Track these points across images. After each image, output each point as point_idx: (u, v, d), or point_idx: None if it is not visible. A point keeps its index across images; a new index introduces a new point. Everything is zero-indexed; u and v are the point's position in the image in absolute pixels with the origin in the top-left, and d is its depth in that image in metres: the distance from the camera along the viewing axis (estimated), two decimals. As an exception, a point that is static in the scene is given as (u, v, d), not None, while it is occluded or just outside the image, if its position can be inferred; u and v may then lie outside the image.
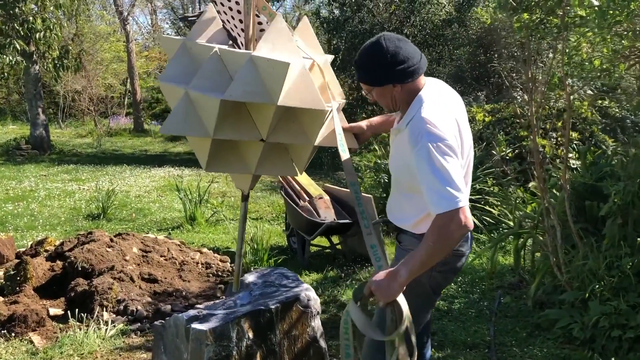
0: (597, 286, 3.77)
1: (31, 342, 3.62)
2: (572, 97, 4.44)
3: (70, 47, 14.16)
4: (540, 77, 4.48)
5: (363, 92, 2.30)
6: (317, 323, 2.91)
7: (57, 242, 5.13)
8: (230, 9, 2.44)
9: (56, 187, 9.05)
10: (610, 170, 4.17)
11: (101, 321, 3.82)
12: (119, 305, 4.02)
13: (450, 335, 3.89)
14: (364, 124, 2.65)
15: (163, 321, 2.96)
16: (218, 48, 2.30)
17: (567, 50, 4.00)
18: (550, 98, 6.31)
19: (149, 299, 4.14)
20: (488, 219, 6.50)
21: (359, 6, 13.85)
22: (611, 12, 2.80)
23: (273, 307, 2.75)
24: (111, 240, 4.85)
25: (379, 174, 7.14)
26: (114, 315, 3.94)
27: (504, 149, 7.17)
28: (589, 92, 4.07)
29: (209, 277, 4.75)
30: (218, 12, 2.49)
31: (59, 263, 4.65)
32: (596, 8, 2.84)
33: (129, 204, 7.85)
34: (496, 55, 11.40)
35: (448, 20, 13.64)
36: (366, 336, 2.29)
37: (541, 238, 4.63)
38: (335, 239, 5.63)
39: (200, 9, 23.10)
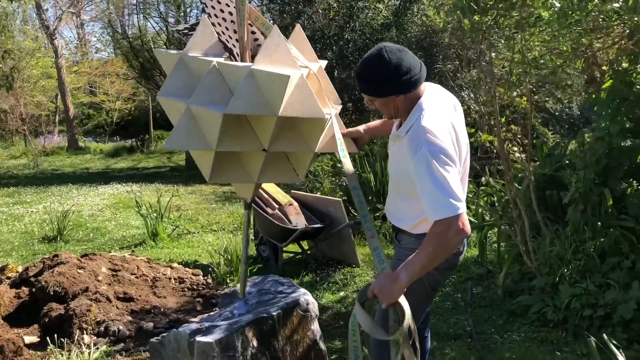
0: (565, 270, 4.00)
1: (12, 373, 3.49)
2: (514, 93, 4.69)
3: (1, 65, 13.59)
4: (484, 76, 4.69)
5: (365, 101, 2.36)
6: (316, 326, 2.97)
7: (20, 268, 4.93)
8: (224, 19, 2.47)
9: (2, 212, 8.66)
10: (569, 160, 4.43)
11: (82, 345, 3.72)
12: (99, 326, 3.92)
13: (433, 329, 4.00)
14: (361, 128, 2.73)
15: (159, 338, 2.92)
16: (216, 62, 2.32)
17: (521, 49, 4.24)
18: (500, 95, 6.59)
19: (130, 318, 4.07)
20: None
21: (299, 13, 13.98)
22: (571, 12, 3.00)
23: (275, 313, 2.78)
24: (79, 261, 4.71)
25: (338, 178, 7.26)
26: (95, 338, 3.84)
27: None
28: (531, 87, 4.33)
29: (185, 292, 4.71)
30: (213, 24, 2.50)
31: (25, 289, 4.49)
32: (557, 9, 3.04)
33: (84, 224, 7.62)
34: (440, 56, 11.76)
35: (386, 25, 13.98)
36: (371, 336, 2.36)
37: (504, 228, 4.86)
38: (304, 244, 5.68)
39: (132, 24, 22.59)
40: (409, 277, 2.06)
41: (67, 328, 3.88)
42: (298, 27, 2.48)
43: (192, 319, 3.51)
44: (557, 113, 10.09)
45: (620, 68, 3.49)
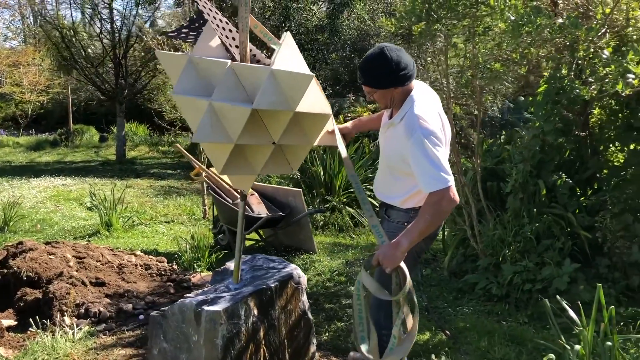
0: (507, 251, 4.54)
1: (-4, 353, 3.56)
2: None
3: None
4: (440, 76, 5.19)
5: (365, 93, 2.72)
6: (305, 298, 3.29)
7: (-19, 257, 4.89)
8: (218, 26, 2.71)
9: None
10: (507, 155, 4.99)
11: (64, 326, 3.83)
12: (79, 309, 4.04)
13: (392, 305, 4.44)
14: (349, 124, 3.11)
15: (160, 311, 3.13)
16: (232, 63, 2.59)
17: (467, 55, 4.74)
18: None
19: (108, 300, 4.20)
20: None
21: (235, 10, 14.12)
22: (523, 25, 3.50)
23: (273, 285, 3.07)
24: (47, 248, 4.76)
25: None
26: (76, 319, 3.96)
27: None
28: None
29: (154, 277, 4.86)
30: (214, 27, 2.74)
31: (-9, 276, 4.49)
32: (512, 21, 3.52)
33: (27, 216, 7.48)
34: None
35: (320, 27, 14.41)
36: (372, 298, 2.73)
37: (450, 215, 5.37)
38: (262, 233, 5.96)
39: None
40: (409, 242, 2.45)
41: (47, 311, 3.97)
42: (288, 34, 2.77)
43: (188, 295, 3.71)
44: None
45: (558, 74, 4.05)
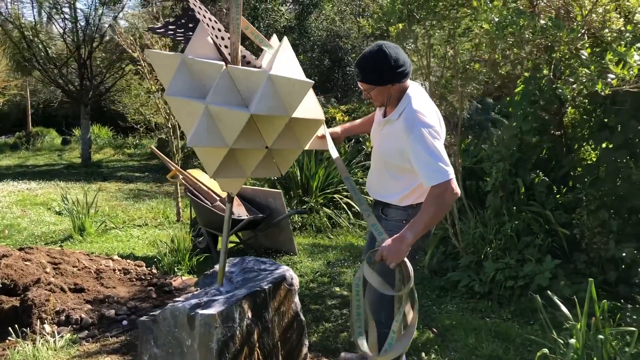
0: (488, 249, 4.61)
1: (-26, 364, 3.43)
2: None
3: None
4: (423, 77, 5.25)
5: (363, 90, 2.73)
6: (297, 299, 3.27)
7: (-51, 264, 4.69)
8: (208, 25, 2.67)
9: None
10: (486, 154, 5.06)
11: (45, 334, 3.72)
12: (59, 316, 3.92)
13: (377, 304, 4.45)
14: (338, 129, 3.14)
15: (151, 316, 3.07)
16: (228, 66, 2.55)
17: (446, 55, 4.80)
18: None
19: (89, 307, 4.09)
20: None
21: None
22: (506, 25, 3.56)
23: (266, 287, 3.04)
24: (21, 254, 4.61)
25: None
26: (57, 327, 3.84)
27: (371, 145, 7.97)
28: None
29: (134, 282, 4.76)
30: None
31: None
32: (495, 22, 3.58)
33: (-7, 221, 7.24)
34: (348, 59, 12.34)
35: (289, 28, 14.38)
36: (373, 295, 2.73)
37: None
38: (240, 235, 5.91)
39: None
40: (414, 235, 2.46)
41: (26, 319, 3.84)
42: (285, 39, 2.76)
43: (179, 299, 3.64)
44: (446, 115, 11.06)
45: (538, 75, 4.13)
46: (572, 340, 2.68)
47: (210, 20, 2.74)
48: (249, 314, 2.95)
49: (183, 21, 2.94)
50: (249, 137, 2.62)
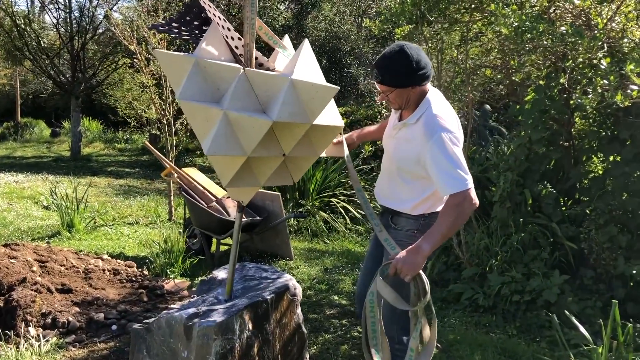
0: (494, 261, 4.47)
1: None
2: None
3: None
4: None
5: (379, 92, 2.56)
6: (299, 310, 3.10)
7: None
8: (219, 25, 2.50)
9: None
10: (492, 163, 4.93)
11: (30, 337, 3.52)
12: (45, 318, 3.72)
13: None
14: (354, 135, 2.97)
15: (144, 324, 2.89)
16: (245, 69, 2.38)
17: (456, 60, 4.66)
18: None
19: (77, 309, 3.89)
20: (361, 211, 7.10)
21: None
22: (526, 31, 3.42)
23: (269, 297, 2.87)
24: (7, 251, 4.40)
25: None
26: (42, 330, 3.64)
27: (369, 148, 7.84)
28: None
29: (124, 283, 4.56)
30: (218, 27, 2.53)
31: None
32: (514, 27, 3.44)
33: (-24, 215, 7.00)
34: (346, 61, 12.19)
35: (287, 27, 14.21)
36: (384, 310, 2.57)
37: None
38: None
39: None
40: (431, 246, 2.31)
41: (10, 321, 3.63)
42: (306, 41, 2.60)
43: (175, 306, 3.47)
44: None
45: (553, 83, 4.00)
46: (596, 366, 2.54)
47: (220, 19, 2.57)
48: (250, 326, 2.78)
49: (188, 19, 2.77)
50: (267, 145, 2.46)
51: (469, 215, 2.41)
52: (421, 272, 2.37)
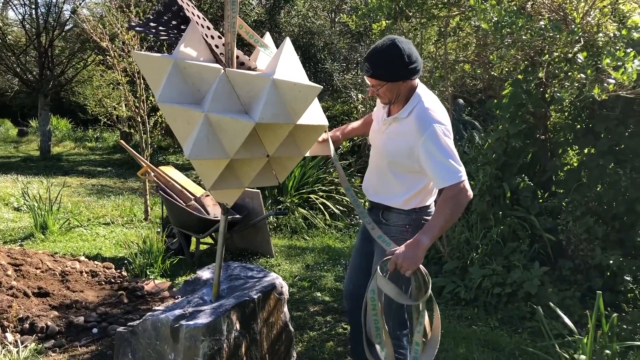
0: (474, 254, 4.51)
1: None
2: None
3: None
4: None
5: (370, 86, 2.55)
6: (286, 309, 3.08)
7: None
8: (197, 23, 2.45)
9: None
10: (473, 157, 4.97)
11: (7, 344, 3.43)
12: (22, 323, 3.62)
13: (361, 311, 4.30)
14: (338, 132, 2.94)
15: (129, 327, 2.83)
16: (226, 70, 2.34)
17: (435, 55, 4.68)
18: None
19: (56, 313, 3.80)
20: (340, 207, 7.10)
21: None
22: (505, 25, 3.44)
23: (255, 297, 2.85)
24: (-20, 255, 4.28)
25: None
26: (20, 336, 3.54)
27: (347, 144, 7.83)
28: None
29: (103, 285, 4.48)
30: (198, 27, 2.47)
31: None
32: (494, 22, 3.46)
33: (-55, 217, 6.78)
34: (321, 56, 12.14)
35: (260, 22, 14.10)
36: (385, 304, 2.55)
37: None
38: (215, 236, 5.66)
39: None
40: (430, 239, 2.31)
41: (-15, 327, 3.54)
42: (287, 40, 2.56)
43: (159, 307, 3.41)
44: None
45: (530, 77, 4.04)
46: (584, 357, 2.57)
47: (199, 17, 2.52)
48: (237, 326, 2.75)
49: (166, 18, 2.70)
50: (250, 147, 2.41)
51: (464, 207, 2.41)
52: (421, 266, 2.38)
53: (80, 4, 13.60)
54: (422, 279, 2.38)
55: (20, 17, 14.64)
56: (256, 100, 2.32)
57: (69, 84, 15.02)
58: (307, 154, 2.75)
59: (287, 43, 2.45)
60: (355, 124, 3.02)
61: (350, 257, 3.05)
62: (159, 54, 2.48)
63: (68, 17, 14.38)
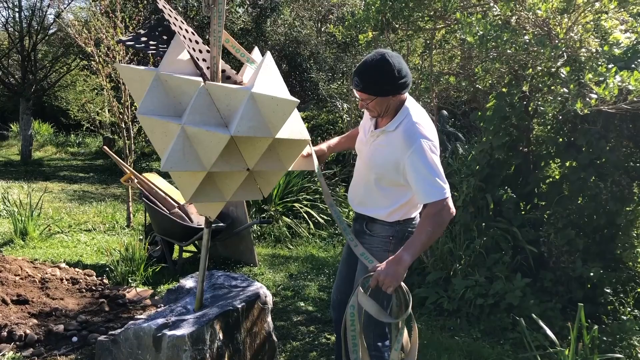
0: (457, 265, 4.54)
1: None
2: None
3: None
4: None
5: (359, 100, 2.55)
6: (270, 319, 3.06)
7: None
8: (185, 37, 2.46)
9: None
10: (457, 168, 5.00)
11: (-16, 352, 3.37)
12: (0, 332, 3.56)
13: (344, 321, 4.29)
14: (324, 146, 2.94)
15: (110, 336, 2.80)
16: (206, 83, 2.34)
17: (422, 66, 4.72)
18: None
19: (35, 321, 3.74)
20: (324, 216, 7.10)
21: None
22: (490, 39, 3.49)
23: (239, 306, 2.83)
24: (-42, 261, 4.20)
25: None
26: (-3, 344, 3.48)
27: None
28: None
29: (83, 293, 4.42)
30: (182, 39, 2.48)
31: None
32: (479, 36, 3.51)
33: None
34: (307, 66, 12.16)
35: (246, 30, 14.11)
36: (365, 316, 2.55)
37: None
38: (198, 244, 5.63)
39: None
40: (412, 256, 2.31)
41: (-37, 335, 3.47)
42: (268, 54, 2.57)
43: (142, 316, 3.38)
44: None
45: (514, 91, 4.09)
46: (564, 368, 2.59)
47: (187, 31, 2.52)
48: (220, 335, 2.73)
49: (157, 32, 2.70)
50: (228, 160, 2.42)
51: (446, 224, 2.42)
52: (402, 283, 2.37)
53: (64, 8, 13.49)
54: (402, 296, 2.39)
55: (3, 20, 14.50)
56: (235, 113, 2.33)
57: (52, 89, 14.87)
58: (291, 169, 2.75)
59: (268, 57, 2.46)
60: (341, 139, 3.02)
61: (338, 267, 3.04)
62: (142, 67, 2.49)
63: (52, 21, 14.24)
